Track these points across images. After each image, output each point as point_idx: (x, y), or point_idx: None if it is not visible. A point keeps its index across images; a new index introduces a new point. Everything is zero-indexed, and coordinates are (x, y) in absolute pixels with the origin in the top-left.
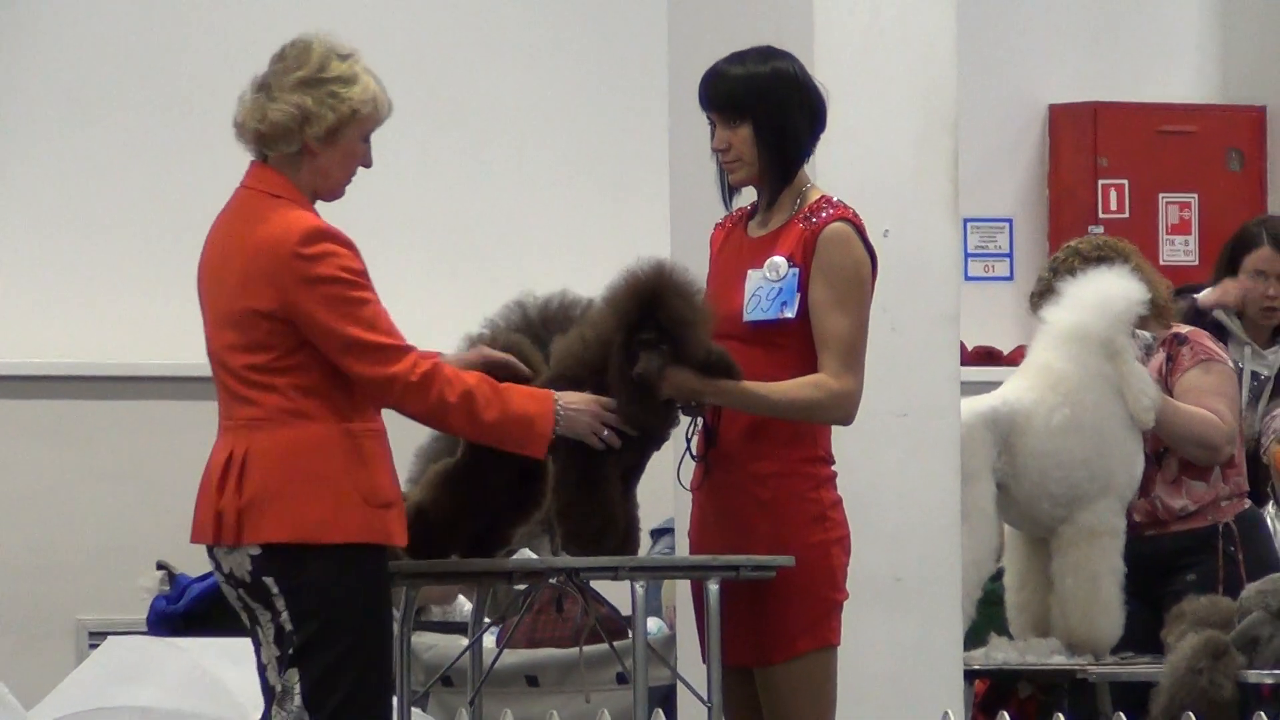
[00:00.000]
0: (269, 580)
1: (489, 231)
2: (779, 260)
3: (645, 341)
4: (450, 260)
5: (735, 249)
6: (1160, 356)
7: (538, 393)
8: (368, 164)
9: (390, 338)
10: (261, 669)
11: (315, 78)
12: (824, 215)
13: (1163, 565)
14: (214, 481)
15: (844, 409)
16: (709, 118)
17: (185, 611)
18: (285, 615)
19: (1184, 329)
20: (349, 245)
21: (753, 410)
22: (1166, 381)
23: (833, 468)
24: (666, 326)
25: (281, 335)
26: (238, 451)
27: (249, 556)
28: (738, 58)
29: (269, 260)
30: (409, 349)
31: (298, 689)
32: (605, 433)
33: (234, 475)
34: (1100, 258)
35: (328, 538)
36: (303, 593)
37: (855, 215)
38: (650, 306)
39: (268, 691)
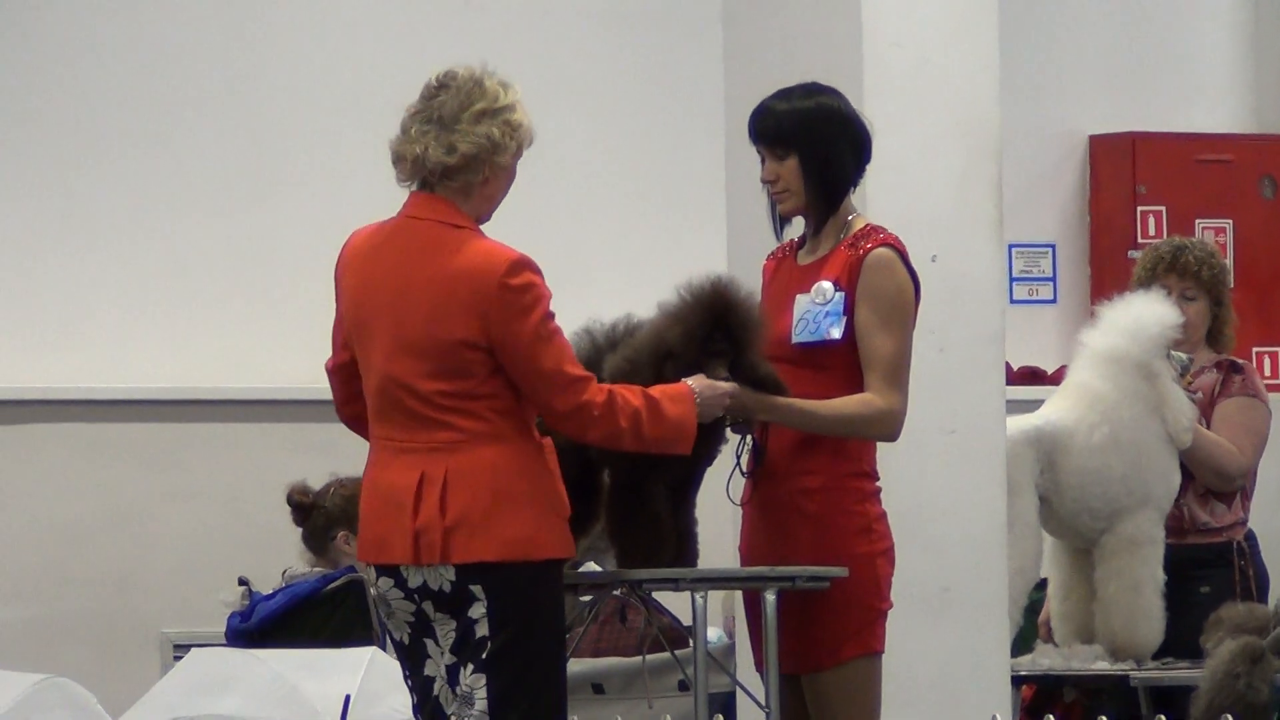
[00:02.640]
0: (476, 588)
1: (558, 262)
2: (826, 285)
3: (716, 351)
4: None
5: (785, 276)
6: (1214, 376)
7: (678, 393)
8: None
9: (579, 368)
10: (426, 682)
11: (494, 108)
12: (869, 242)
13: (1177, 574)
14: (406, 502)
15: (889, 426)
16: (758, 151)
17: (257, 629)
18: (483, 621)
19: (1240, 360)
20: (541, 273)
21: (801, 426)
22: (1213, 401)
23: (877, 483)
24: (736, 334)
25: (479, 363)
26: (432, 473)
27: (454, 567)
28: (784, 94)
29: (471, 291)
30: (591, 377)
31: (481, 695)
32: (727, 403)
33: (433, 496)
34: (1208, 261)
35: (536, 554)
36: (509, 603)
37: (899, 241)
38: (721, 315)
39: (432, 705)
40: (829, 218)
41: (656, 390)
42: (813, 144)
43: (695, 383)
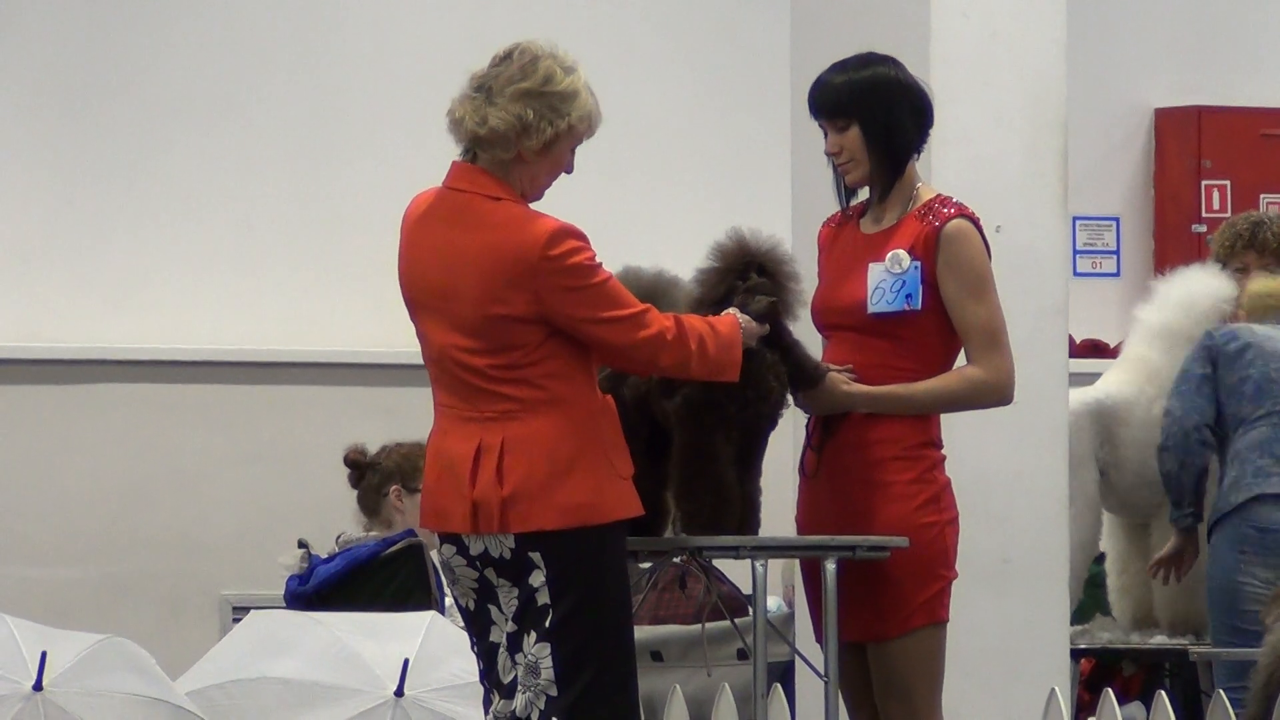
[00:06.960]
0: (535, 555)
1: (622, 226)
2: (901, 253)
3: (755, 287)
4: None
5: (848, 245)
6: None
7: (724, 319)
8: (570, 171)
9: (635, 305)
10: (491, 648)
11: (538, 91)
12: (944, 213)
13: None
14: (464, 472)
15: (1000, 391)
16: (820, 126)
17: (315, 593)
18: (544, 589)
19: None
20: (581, 236)
21: (906, 412)
22: None
23: (942, 451)
24: (772, 270)
25: (531, 333)
26: (489, 442)
27: (513, 535)
28: (839, 66)
29: (517, 267)
30: (649, 308)
31: (548, 664)
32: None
33: (490, 466)
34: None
35: (595, 519)
36: (568, 568)
37: (971, 212)
38: (754, 255)
39: (493, 674)
40: (894, 184)
41: (710, 318)
42: (873, 112)
43: (732, 311)
